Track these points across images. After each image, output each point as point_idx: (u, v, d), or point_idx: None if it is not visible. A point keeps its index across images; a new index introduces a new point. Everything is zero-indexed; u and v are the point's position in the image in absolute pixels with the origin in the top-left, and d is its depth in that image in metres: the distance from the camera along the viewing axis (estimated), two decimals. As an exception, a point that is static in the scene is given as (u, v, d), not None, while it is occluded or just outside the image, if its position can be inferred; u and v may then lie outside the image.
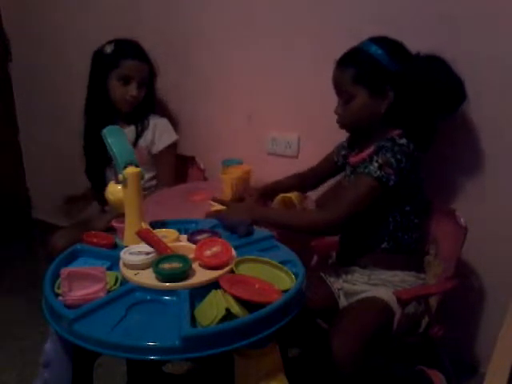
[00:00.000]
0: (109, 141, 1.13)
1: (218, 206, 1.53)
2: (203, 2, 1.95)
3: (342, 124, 1.43)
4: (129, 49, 1.81)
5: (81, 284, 0.95)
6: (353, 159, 1.46)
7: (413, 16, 1.53)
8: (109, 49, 1.79)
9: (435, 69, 1.33)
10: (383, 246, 1.39)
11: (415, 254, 1.45)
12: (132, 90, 1.79)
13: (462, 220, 1.38)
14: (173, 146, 1.91)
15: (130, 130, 1.85)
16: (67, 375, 1.01)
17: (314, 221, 1.34)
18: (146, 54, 1.84)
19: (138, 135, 1.86)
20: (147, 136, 1.87)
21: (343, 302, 1.45)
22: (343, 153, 1.56)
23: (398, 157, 1.28)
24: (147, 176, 1.83)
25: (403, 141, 1.32)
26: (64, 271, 0.95)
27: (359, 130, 1.44)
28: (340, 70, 1.37)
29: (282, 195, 1.55)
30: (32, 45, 2.52)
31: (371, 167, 1.28)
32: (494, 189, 1.55)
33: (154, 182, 1.93)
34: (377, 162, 1.28)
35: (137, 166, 1.12)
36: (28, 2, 2.47)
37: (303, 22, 1.74)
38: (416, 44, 1.37)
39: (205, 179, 1.98)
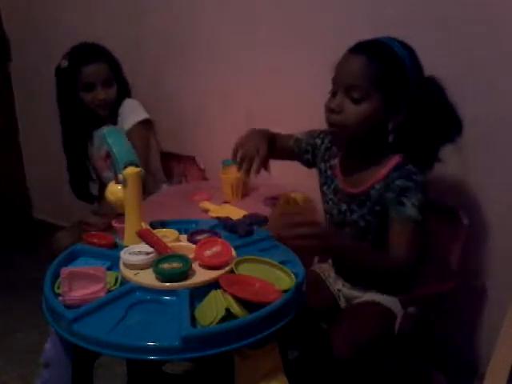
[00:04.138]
0: (108, 141, 1.13)
1: (210, 207, 1.53)
2: (203, 1, 1.95)
3: (341, 124, 1.21)
4: (81, 56, 1.77)
5: (81, 284, 0.95)
6: (352, 190, 1.30)
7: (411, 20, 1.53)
8: (64, 63, 1.78)
9: (440, 90, 1.24)
10: None
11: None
12: (98, 94, 1.77)
13: (464, 219, 1.38)
14: (140, 125, 1.80)
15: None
16: (67, 375, 1.01)
17: (393, 272, 1.17)
18: (100, 51, 1.80)
19: (114, 125, 1.81)
20: (119, 122, 1.83)
21: (343, 302, 1.45)
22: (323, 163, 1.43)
23: (425, 194, 1.22)
24: None
25: (420, 177, 1.22)
26: (64, 271, 0.95)
27: (356, 140, 1.25)
28: (359, 61, 1.17)
29: (286, 195, 1.55)
30: (32, 45, 2.52)
31: (412, 211, 1.18)
32: (494, 189, 1.55)
33: None
34: (413, 204, 1.19)
35: (137, 166, 1.12)
36: (28, 2, 2.47)
37: (303, 21, 1.74)
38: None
39: (205, 179, 1.98)
